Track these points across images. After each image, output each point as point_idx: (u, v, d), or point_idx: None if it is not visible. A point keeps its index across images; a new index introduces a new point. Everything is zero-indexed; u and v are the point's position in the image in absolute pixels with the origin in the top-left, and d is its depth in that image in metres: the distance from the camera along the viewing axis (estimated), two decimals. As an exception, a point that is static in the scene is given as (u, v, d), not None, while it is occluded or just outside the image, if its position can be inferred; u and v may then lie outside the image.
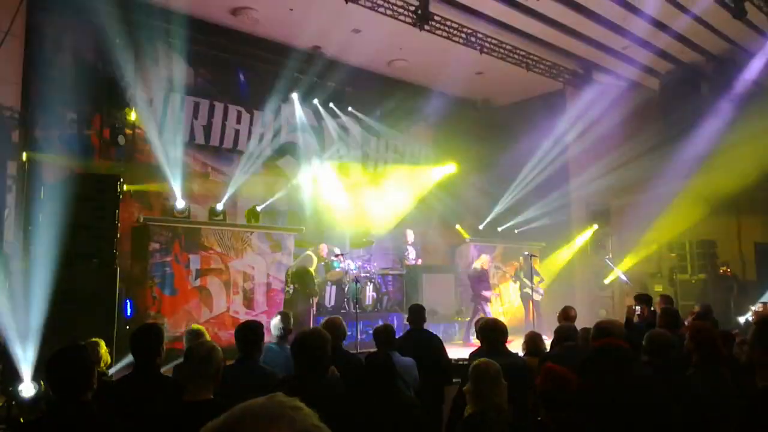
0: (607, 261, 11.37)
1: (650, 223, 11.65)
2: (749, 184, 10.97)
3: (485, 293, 10.70)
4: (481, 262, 10.99)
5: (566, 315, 5.86)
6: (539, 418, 2.89)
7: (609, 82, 12.72)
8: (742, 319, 9.20)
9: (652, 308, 6.60)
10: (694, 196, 11.70)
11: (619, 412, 3.02)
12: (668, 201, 11.49)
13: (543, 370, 2.99)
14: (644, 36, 10.73)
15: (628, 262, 12.31)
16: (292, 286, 8.85)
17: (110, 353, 4.98)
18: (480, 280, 10.78)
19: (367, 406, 3.13)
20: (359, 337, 9.53)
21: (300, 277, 8.82)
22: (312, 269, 9.09)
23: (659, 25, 10.34)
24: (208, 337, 4.49)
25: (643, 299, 6.86)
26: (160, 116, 10.17)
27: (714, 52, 11.55)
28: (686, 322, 5.81)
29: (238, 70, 11.16)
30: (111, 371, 5.14)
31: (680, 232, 12.07)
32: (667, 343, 3.69)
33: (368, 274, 10.99)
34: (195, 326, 4.99)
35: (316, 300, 9.36)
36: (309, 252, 9.46)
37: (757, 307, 8.71)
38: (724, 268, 11.61)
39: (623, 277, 10.88)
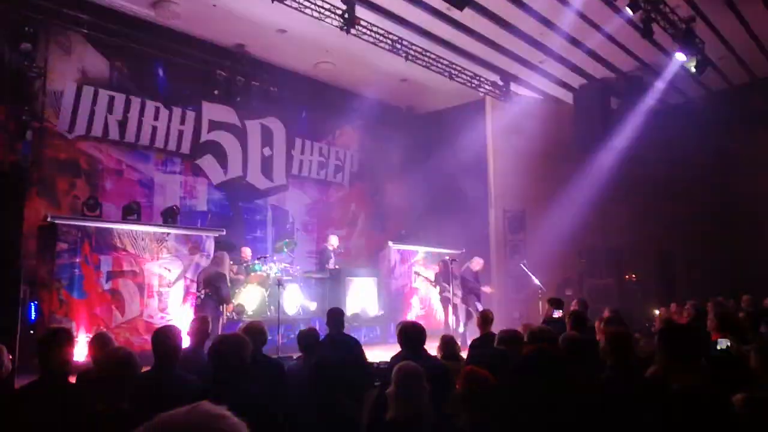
0: (522, 266, 11.76)
1: (563, 230, 12.18)
2: (655, 193, 11.73)
3: (480, 291, 10.88)
4: (476, 263, 11.08)
5: (485, 318, 6.00)
6: (460, 421, 2.94)
7: (526, 93, 13.23)
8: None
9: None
10: (604, 205, 12.36)
11: (551, 415, 3.10)
12: (580, 208, 12.06)
13: (463, 372, 3.04)
14: (560, 51, 11.25)
15: (542, 266, 12.80)
16: (203, 291, 8.14)
17: (12, 360, 4.66)
18: (476, 279, 10.96)
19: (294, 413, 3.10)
20: (280, 341, 9.39)
21: (211, 282, 8.10)
22: (226, 272, 8.50)
23: (574, 42, 10.86)
24: (115, 343, 4.26)
25: (557, 303, 7.18)
26: (71, 109, 9.67)
27: (624, 69, 12.25)
28: (596, 326, 6.09)
29: (157, 65, 10.76)
30: (12, 379, 4.81)
31: (590, 238, 12.69)
32: (581, 345, 3.87)
33: (291, 278, 10.86)
34: (102, 331, 4.70)
35: (230, 308, 8.85)
36: (221, 252, 8.95)
37: (658, 311, 9.27)
38: (630, 274, 12.30)
39: (537, 282, 11.31)
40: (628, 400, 3.10)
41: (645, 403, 2.52)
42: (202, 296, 8.11)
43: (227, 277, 8.44)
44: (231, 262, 10.26)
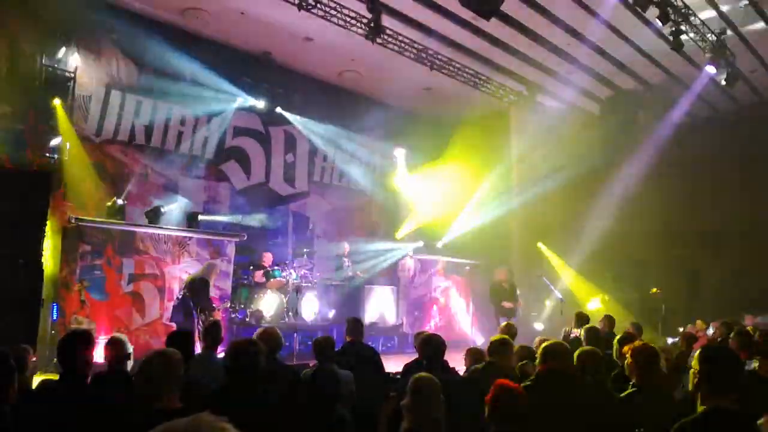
0: (544, 279, 11.63)
1: (587, 242, 12.01)
2: (680, 210, 11.50)
3: (506, 304, 10.72)
4: (498, 273, 11.03)
5: (509, 333, 5.89)
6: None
7: (552, 104, 13.10)
8: (670, 341, 9.54)
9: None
10: (630, 219, 12.15)
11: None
12: (606, 222, 11.88)
13: (494, 384, 2.99)
14: (587, 62, 11.13)
15: (564, 278, 12.64)
16: (182, 291, 8.17)
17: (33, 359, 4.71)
18: (497, 294, 10.86)
19: (302, 420, 3.07)
20: (297, 347, 9.40)
21: (194, 286, 8.15)
22: (211, 281, 8.54)
23: (601, 53, 10.74)
24: (129, 346, 4.28)
25: (582, 319, 7.06)
26: (99, 114, 9.80)
27: (652, 81, 12.07)
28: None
29: (184, 71, 10.86)
30: (33, 379, 4.86)
31: (615, 252, 12.49)
32: (600, 361, 3.77)
33: (309, 284, 10.87)
34: (117, 335, 4.68)
35: (216, 313, 8.35)
36: (214, 262, 9.09)
37: (686, 328, 9.05)
38: (654, 290, 12.06)
39: (558, 294, 11.16)
40: (654, 418, 3.02)
41: (673, 423, 2.43)
42: (180, 296, 8.24)
43: (210, 285, 8.50)
44: (251, 267, 10.34)
